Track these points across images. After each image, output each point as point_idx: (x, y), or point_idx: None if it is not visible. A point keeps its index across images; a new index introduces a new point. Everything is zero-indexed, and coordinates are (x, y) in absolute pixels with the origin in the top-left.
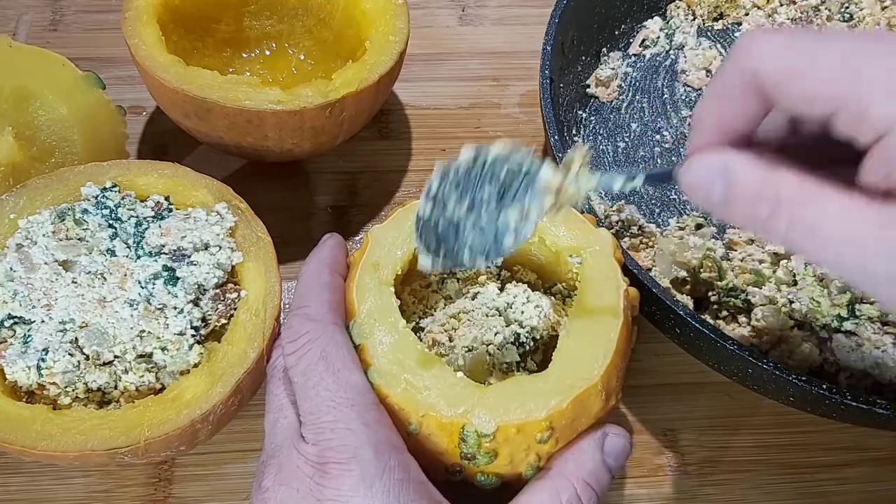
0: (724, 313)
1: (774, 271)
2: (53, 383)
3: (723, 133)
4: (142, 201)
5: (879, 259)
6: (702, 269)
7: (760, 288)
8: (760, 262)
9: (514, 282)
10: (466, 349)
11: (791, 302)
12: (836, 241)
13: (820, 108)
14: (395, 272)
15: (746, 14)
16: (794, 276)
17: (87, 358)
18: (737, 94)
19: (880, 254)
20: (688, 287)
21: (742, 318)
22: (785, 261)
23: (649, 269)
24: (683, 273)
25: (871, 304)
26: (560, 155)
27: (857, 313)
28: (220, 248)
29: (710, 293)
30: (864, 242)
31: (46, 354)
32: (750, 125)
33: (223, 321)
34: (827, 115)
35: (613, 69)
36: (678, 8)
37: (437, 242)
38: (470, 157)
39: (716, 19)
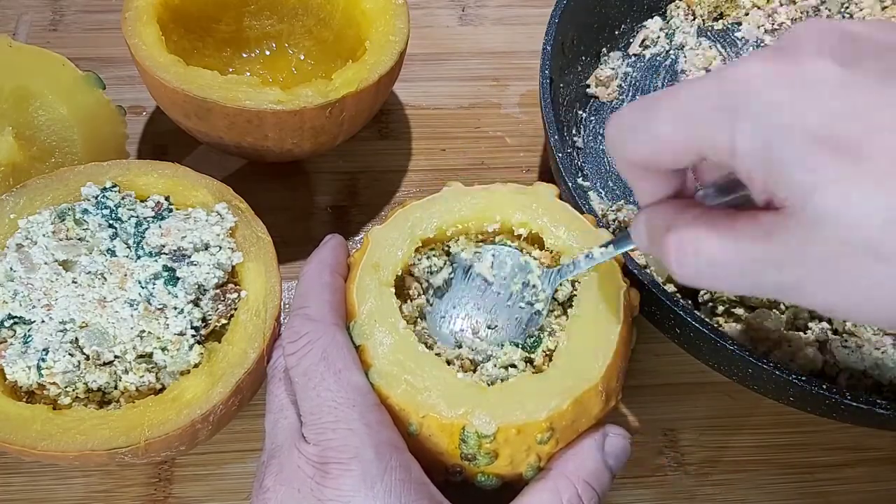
0: (720, 309)
1: None
2: (53, 383)
3: (657, 195)
4: (142, 201)
5: (768, 270)
6: None
7: None
8: None
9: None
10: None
11: None
12: (728, 263)
13: (687, 162)
14: (395, 273)
15: (746, 14)
16: None
17: (88, 358)
18: (631, 175)
19: (764, 264)
20: None
21: (738, 310)
22: None
23: (646, 267)
24: None
25: None
26: (560, 155)
27: None
28: (221, 248)
29: (701, 290)
30: (750, 258)
31: (46, 354)
32: (668, 187)
33: (223, 321)
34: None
35: (613, 69)
36: (678, 8)
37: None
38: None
39: (716, 19)
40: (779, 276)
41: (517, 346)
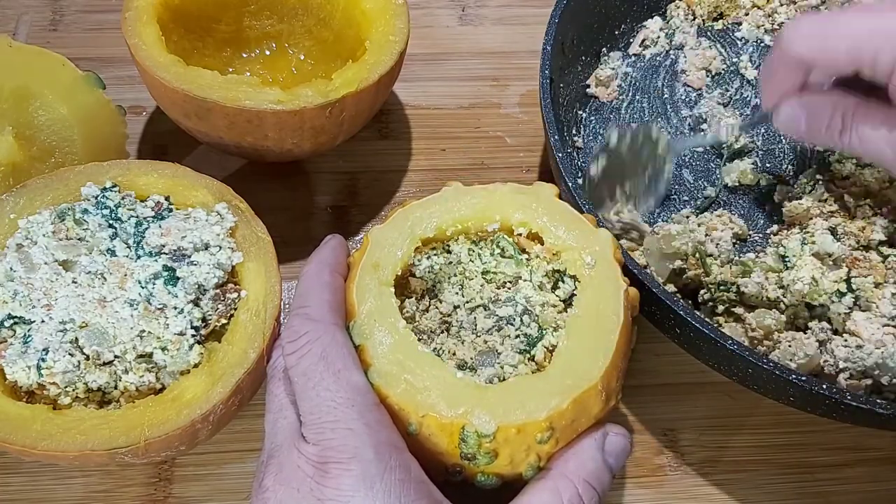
0: (720, 308)
1: (758, 256)
2: (53, 383)
3: (785, 91)
4: (142, 201)
5: None
6: (687, 268)
7: (749, 277)
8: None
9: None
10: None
11: (784, 287)
12: (886, 141)
13: (846, 69)
14: (394, 273)
15: (746, 14)
16: (785, 259)
17: (87, 358)
18: (788, 70)
19: None
20: (686, 277)
21: (738, 310)
22: (773, 248)
23: (646, 267)
24: (679, 262)
25: (867, 276)
26: (560, 155)
27: (854, 287)
28: (221, 248)
29: (701, 290)
30: None
31: (46, 354)
32: (801, 82)
33: (223, 321)
34: (854, 70)
35: (613, 69)
36: (678, 8)
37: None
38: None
39: (716, 19)
40: None
41: (517, 352)
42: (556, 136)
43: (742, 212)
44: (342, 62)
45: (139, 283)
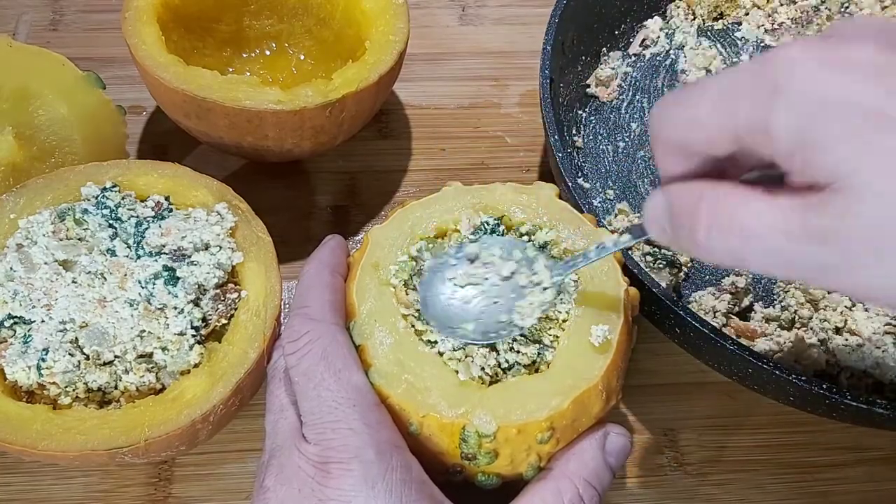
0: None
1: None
2: (53, 383)
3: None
4: (142, 201)
5: (808, 244)
6: None
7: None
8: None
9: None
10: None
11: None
12: (764, 234)
13: (725, 146)
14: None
15: (746, 14)
16: None
17: (88, 358)
18: (664, 156)
19: (805, 237)
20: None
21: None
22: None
23: (651, 262)
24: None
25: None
26: (560, 155)
27: None
28: (221, 248)
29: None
30: (789, 230)
31: (46, 354)
32: (692, 168)
33: (223, 321)
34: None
35: (613, 69)
36: (678, 8)
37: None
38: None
39: (716, 19)
40: (819, 252)
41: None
42: (556, 136)
43: None
44: (342, 62)
45: (139, 283)
